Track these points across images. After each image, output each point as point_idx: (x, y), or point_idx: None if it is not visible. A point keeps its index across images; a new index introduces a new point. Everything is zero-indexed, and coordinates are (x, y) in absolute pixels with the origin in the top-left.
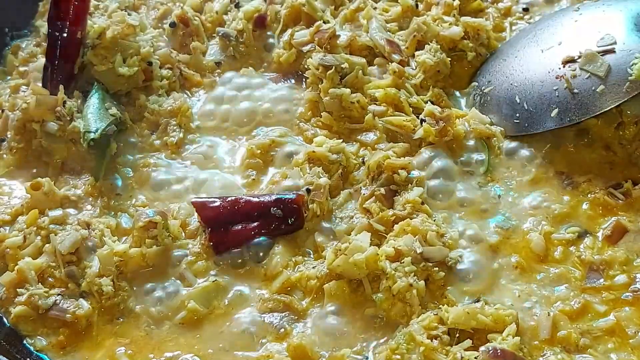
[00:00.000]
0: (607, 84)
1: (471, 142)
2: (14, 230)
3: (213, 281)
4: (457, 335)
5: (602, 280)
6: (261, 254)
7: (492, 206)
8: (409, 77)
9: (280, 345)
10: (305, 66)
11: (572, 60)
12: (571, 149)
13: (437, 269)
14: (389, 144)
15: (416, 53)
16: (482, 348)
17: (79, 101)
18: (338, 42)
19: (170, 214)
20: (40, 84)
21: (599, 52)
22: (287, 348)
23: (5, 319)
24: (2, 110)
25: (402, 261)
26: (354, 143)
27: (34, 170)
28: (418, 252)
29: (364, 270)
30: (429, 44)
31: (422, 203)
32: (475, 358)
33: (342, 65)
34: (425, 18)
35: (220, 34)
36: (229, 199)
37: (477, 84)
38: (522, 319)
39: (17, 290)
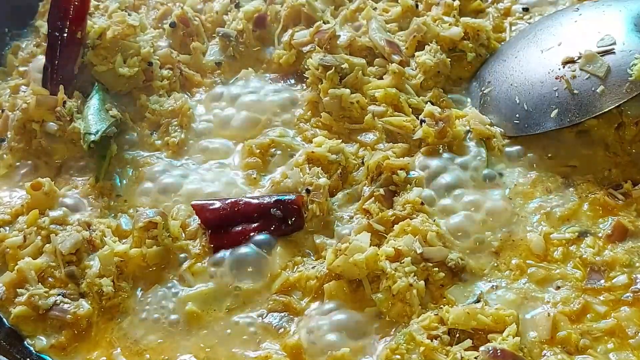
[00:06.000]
0: (607, 84)
1: (471, 143)
2: (14, 230)
3: (213, 282)
4: (457, 335)
5: (602, 281)
6: (261, 254)
7: (492, 207)
8: (409, 78)
9: (279, 345)
10: (305, 66)
11: (571, 61)
12: (571, 150)
13: (437, 269)
14: (389, 144)
15: (416, 54)
16: (482, 348)
17: (79, 101)
18: (338, 42)
19: (171, 215)
20: (40, 84)
21: (598, 53)
22: (286, 348)
23: (5, 319)
24: (2, 110)
25: (402, 261)
26: (354, 143)
27: (34, 171)
28: (418, 252)
29: (364, 270)
30: (429, 45)
31: (422, 203)
32: (475, 358)
33: (342, 66)
34: (425, 18)
35: (220, 34)
36: (229, 200)
37: (477, 84)
38: (522, 319)
39: (17, 290)
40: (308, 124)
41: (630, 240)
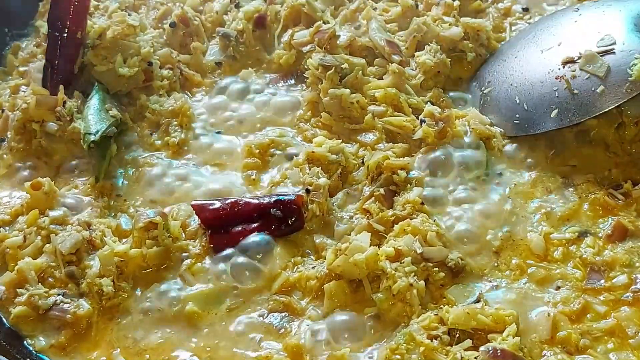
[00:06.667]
0: (607, 84)
1: (471, 143)
2: (14, 230)
3: (212, 282)
4: (457, 335)
5: (602, 281)
6: (261, 254)
7: (492, 207)
8: (409, 78)
9: (279, 345)
10: (305, 66)
11: (571, 61)
12: (571, 150)
13: (437, 269)
14: (389, 144)
15: (416, 54)
16: (482, 348)
17: (79, 101)
18: (338, 42)
19: (171, 215)
20: (40, 84)
21: (598, 53)
22: (286, 348)
23: (5, 319)
24: (2, 110)
25: (402, 261)
26: (354, 143)
27: (34, 171)
28: (418, 252)
29: (364, 270)
30: (429, 45)
31: (422, 203)
32: (475, 358)
33: (342, 66)
34: (425, 18)
35: (220, 34)
36: (229, 200)
37: (477, 84)
38: (522, 319)
39: (17, 290)
40: (308, 124)
41: (630, 240)
